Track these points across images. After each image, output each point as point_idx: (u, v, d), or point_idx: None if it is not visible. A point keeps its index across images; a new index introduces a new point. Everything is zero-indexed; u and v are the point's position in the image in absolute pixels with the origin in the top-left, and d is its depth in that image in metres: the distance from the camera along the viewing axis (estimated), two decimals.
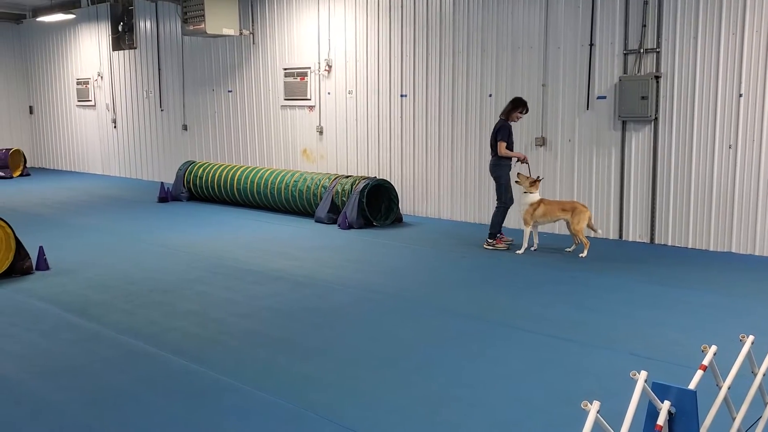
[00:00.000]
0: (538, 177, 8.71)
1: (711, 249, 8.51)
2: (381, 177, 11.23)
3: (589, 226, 8.36)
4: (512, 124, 8.61)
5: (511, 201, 8.73)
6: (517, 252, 8.42)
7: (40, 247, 7.74)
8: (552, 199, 8.93)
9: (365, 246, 9.09)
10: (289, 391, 4.45)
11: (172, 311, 6.22)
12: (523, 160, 8.61)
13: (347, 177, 10.74)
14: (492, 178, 8.81)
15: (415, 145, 11.20)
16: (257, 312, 6.18)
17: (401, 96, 11.24)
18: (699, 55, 8.37)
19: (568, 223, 8.35)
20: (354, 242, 9.30)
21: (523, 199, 8.46)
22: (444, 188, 10.96)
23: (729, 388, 2.91)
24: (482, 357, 5.06)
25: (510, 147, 8.52)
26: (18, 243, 7.40)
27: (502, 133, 8.53)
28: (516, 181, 8.55)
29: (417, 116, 11.10)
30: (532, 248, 8.49)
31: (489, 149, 8.83)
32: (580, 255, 8.18)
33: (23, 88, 19.63)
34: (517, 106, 8.57)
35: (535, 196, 8.42)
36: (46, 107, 19.24)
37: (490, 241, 8.69)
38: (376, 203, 10.66)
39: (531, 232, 8.50)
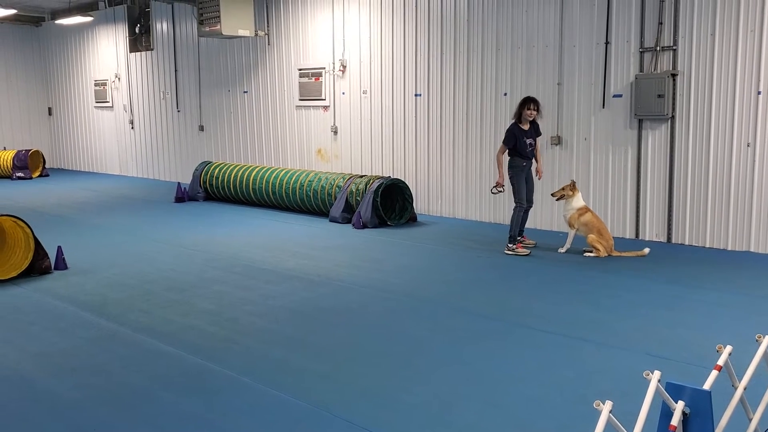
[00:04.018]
0: (572, 181, 8.58)
1: (729, 248, 8.42)
2: (395, 176, 11.24)
3: (610, 252, 8.20)
4: (526, 125, 8.43)
5: (529, 203, 8.63)
6: (559, 250, 8.37)
7: (59, 247, 7.83)
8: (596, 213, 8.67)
9: (379, 245, 9.09)
10: (304, 389, 4.47)
11: (189, 310, 6.27)
12: (497, 185, 8.57)
13: (361, 176, 10.75)
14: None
15: (430, 144, 11.19)
16: (272, 311, 6.21)
17: (416, 95, 11.23)
18: (716, 52, 8.29)
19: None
20: (368, 242, 9.31)
21: (568, 204, 8.38)
22: (458, 187, 10.94)
23: (745, 389, 2.88)
24: (497, 356, 5.05)
25: (521, 150, 8.39)
26: (37, 243, 7.49)
27: (506, 136, 8.47)
28: (556, 198, 8.49)
29: (431, 115, 11.09)
30: (561, 250, 8.39)
31: None
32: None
33: (42, 89, 19.85)
34: (523, 104, 8.43)
35: (579, 201, 8.34)
36: (65, 109, 19.45)
37: (510, 246, 8.44)
38: (391, 203, 10.66)
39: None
